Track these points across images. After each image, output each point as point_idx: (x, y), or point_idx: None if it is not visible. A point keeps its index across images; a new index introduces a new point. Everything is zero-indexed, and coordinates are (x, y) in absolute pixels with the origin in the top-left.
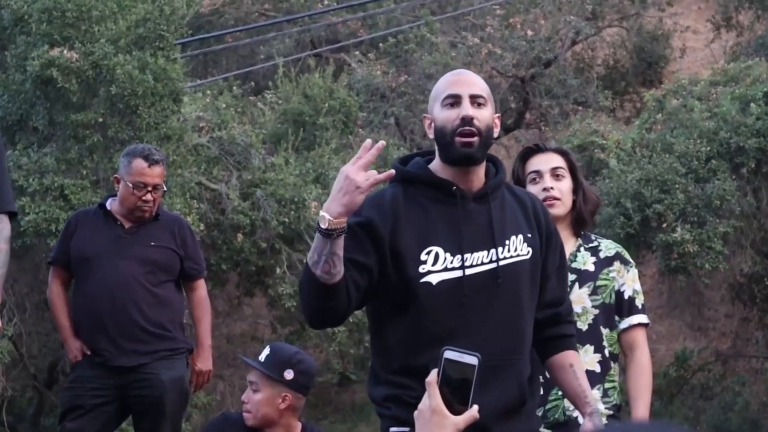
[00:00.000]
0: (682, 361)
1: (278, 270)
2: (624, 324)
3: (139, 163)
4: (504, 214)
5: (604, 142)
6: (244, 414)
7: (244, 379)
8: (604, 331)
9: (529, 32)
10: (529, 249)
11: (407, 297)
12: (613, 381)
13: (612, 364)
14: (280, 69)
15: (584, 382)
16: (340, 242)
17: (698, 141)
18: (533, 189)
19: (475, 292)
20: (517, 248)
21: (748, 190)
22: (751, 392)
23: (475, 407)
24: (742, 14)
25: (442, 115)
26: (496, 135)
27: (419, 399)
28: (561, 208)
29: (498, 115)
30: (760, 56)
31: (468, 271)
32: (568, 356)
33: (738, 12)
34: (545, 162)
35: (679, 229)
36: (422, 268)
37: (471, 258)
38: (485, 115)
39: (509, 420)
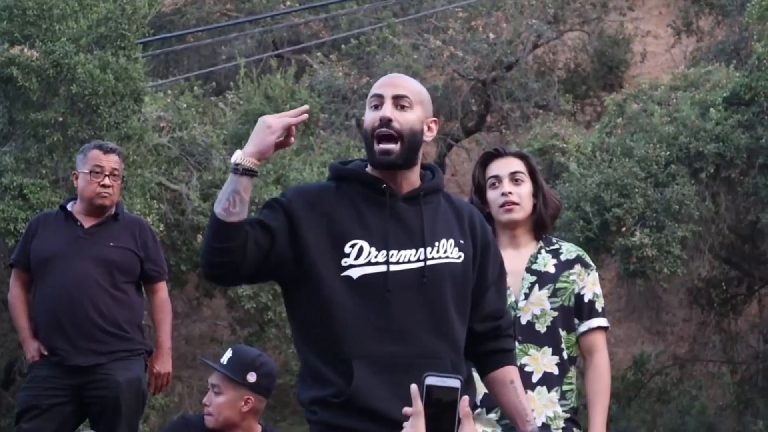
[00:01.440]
0: (639, 365)
1: None
2: (583, 327)
3: (95, 152)
4: (436, 217)
5: (565, 145)
6: (205, 417)
7: (203, 381)
8: (563, 333)
9: (491, 35)
10: (461, 254)
11: (327, 291)
12: (570, 383)
13: (570, 367)
14: (242, 69)
15: (525, 399)
16: (245, 182)
17: (658, 145)
18: (493, 194)
19: (399, 289)
20: (447, 250)
21: (707, 195)
22: (708, 396)
23: None
24: (703, 20)
25: (367, 116)
26: (428, 139)
27: (343, 399)
28: (520, 212)
29: (434, 119)
30: (720, 61)
31: (393, 268)
32: (508, 372)
33: (698, 17)
34: (505, 166)
35: (638, 233)
36: (345, 262)
37: (397, 255)
38: (409, 118)
39: None
